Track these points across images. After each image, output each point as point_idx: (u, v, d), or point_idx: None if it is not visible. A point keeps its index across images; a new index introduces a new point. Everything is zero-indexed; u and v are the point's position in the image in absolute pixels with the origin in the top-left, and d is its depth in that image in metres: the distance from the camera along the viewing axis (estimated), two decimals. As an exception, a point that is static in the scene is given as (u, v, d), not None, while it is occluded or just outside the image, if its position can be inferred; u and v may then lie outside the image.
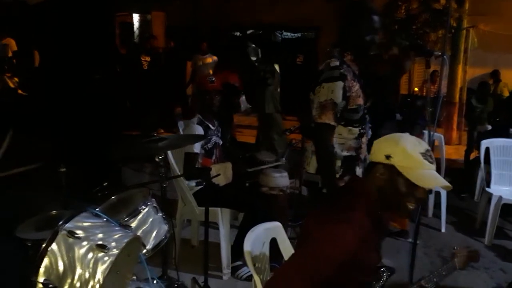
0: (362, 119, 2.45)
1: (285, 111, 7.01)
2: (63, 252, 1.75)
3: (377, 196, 1.62)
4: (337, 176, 2.40)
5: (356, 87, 2.39)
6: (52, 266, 1.74)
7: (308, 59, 10.50)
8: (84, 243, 1.78)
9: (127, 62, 7.83)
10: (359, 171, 2.45)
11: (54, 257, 1.74)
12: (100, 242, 1.78)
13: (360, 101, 2.41)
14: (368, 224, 1.59)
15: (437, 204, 4.36)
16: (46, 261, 1.74)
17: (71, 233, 1.77)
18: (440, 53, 2.49)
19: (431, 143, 2.61)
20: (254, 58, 11.18)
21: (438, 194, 4.25)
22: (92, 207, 2.01)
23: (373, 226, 1.62)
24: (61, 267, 1.74)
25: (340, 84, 2.33)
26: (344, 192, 1.73)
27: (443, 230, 4.27)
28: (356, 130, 2.43)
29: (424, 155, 1.57)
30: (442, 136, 4.84)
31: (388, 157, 1.58)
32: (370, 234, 1.60)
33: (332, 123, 2.34)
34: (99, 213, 1.98)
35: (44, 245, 1.76)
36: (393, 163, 1.57)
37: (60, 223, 1.81)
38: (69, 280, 1.73)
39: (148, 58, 7.65)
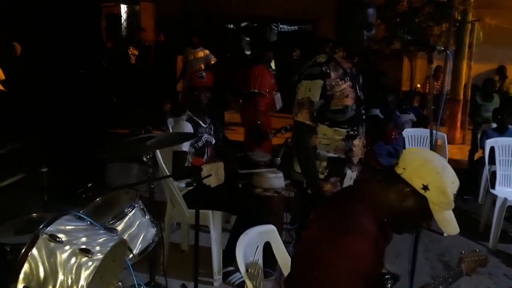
0: (353, 120, 2.42)
1: (281, 108, 7.02)
2: (44, 257, 1.75)
3: (392, 209, 1.61)
4: (323, 177, 2.41)
5: (343, 86, 2.37)
6: (33, 272, 1.73)
7: (305, 53, 10.53)
8: (67, 247, 1.77)
9: (114, 56, 7.79)
10: (351, 174, 2.45)
11: (35, 262, 1.73)
12: (83, 246, 1.77)
13: (348, 101, 2.39)
14: (377, 231, 1.59)
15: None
16: (26, 266, 1.73)
17: (53, 237, 1.76)
18: (443, 48, 2.50)
19: (433, 142, 2.62)
20: (248, 52, 11.19)
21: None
22: (75, 210, 2.00)
23: (381, 233, 1.62)
24: (42, 273, 1.73)
25: (319, 82, 2.32)
26: (350, 198, 1.70)
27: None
28: (343, 131, 2.42)
29: (454, 196, 1.59)
30: (445, 135, 4.88)
31: (425, 188, 1.56)
32: (379, 243, 1.61)
33: (308, 122, 2.34)
34: (82, 216, 1.97)
35: (23, 250, 1.75)
36: (427, 196, 1.56)
37: (41, 226, 1.80)
38: (50, 287, 1.72)
39: (136, 52, 7.61)
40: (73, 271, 1.74)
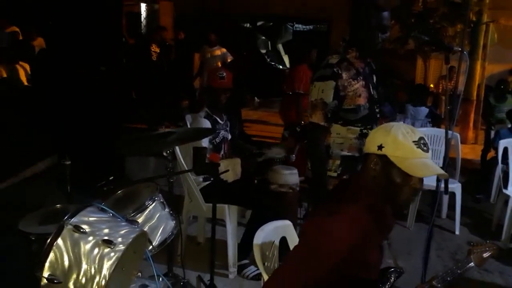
0: (366, 118, 2.42)
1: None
2: (68, 247, 1.77)
3: (374, 187, 1.62)
4: (335, 175, 2.41)
5: (356, 86, 2.36)
6: (58, 261, 1.75)
7: (321, 53, 10.48)
8: (90, 238, 1.79)
9: (136, 52, 7.85)
10: None
11: (60, 252, 1.76)
12: (106, 238, 1.79)
13: (361, 101, 2.38)
14: (368, 219, 1.60)
15: (451, 206, 4.33)
16: (51, 256, 1.75)
17: (77, 228, 1.78)
18: (460, 49, 2.46)
19: (447, 142, 2.59)
20: (263, 51, 11.17)
21: (452, 195, 4.23)
22: (98, 202, 2.02)
23: (375, 222, 1.63)
24: (66, 262, 1.75)
25: (331, 83, 2.32)
26: (343, 187, 1.75)
27: (457, 232, 4.25)
28: (356, 130, 2.41)
29: (417, 143, 1.57)
30: (458, 135, 4.81)
31: (380, 147, 1.59)
32: (371, 230, 1.61)
33: (322, 123, 2.34)
34: (105, 208, 1.99)
35: (49, 240, 1.77)
36: (385, 153, 1.58)
37: (66, 217, 1.82)
38: (74, 276, 1.74)
39: (157, 49, 7.67)
40: (96, 261, 1.76)
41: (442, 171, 1.62)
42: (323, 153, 2.40)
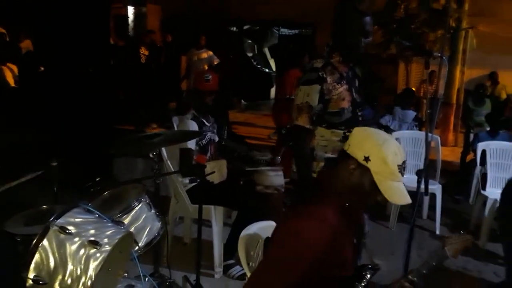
0: (349, 121, 2.43)
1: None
2: (54, 248, 1.75)
3: (344, 188, 1.63)
4: None
5: (340, 89, 2.38)
6: (43, 262, 1.73)
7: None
8: (76, 239, 1.78)
9: (125, 55, 7.81)
10: None
11: (45, 253, 1.74)
12: (92, 238, 1.78)
13: (345, 104, 2.41)
14: (338, 218, 1.60)
15: (432, 206, 4.39)
16: (37, 257, 1.73)
17: (63, 229, 1.77)
18: (439, 54, 2.50)
19: (428, 144, 2.62)
20: (250, 54, 11.19)
21: (433, 196, 4.28)
22: (84, 203, 2.00)
23: (345, 221, 1.64)
24: (52, 263, 1.73)
25: (316, 87, 2.34)
26: (314, 187, 1.76)
27: (437, 232, 4.30)
28: (340, 133, 2.42)
29: (400, 167, 1.59)
30: (439, 138, 4.87)
31: (366, 159, 1.58)
32: (342, 229, 1.62)
33: (307, 126, 2.36)
34: (91, 209, 1.97)
35: (35, 241, 1.75)
36: (369, 167, 1.58)
37: (52, 218, 1.81)
38: (60, 277, 1.73)
39: (146, 52, 7.63)
40: (82, 262, 1.74)
41: (409, 199, 1.63)
42: (308, 155, 2.41)
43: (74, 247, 1.76)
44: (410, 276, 1.71)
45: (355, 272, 1.74)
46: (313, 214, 1.56)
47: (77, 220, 1.86)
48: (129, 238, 1.99)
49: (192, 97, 3.50)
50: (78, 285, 1.72)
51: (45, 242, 1.75)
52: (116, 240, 1.83)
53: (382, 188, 1.58)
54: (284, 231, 1.58)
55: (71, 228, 1.79)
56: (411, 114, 5.61)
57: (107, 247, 1.78)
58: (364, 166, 1.58)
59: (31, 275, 1.72)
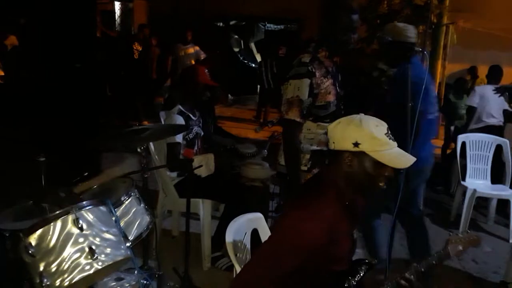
0: (334, 114, 2.46)
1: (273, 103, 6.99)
2: (61, 233, 1.76)
3: (347, 182, 1.64)
4: (306, 169, 2.45)
5: (327, 83, 2.41)
6: (46, 237, 1.74)
7: (291, 51, 10.54)
8: (81, 239, 1.79)
9: (118, 50, 7.73)
10: None
11: (53, 232, 1.75)
12: (93, 247, 1.78)
13: (331, 97, 2.44)
14: (336, 212, 1.61)
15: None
16: (45, 229, 1.73)
17: (77, 221, 1.78)
18: (421, 49, 2.53)
19: (410, 137, 2.65)
20: (236, 49, 11.15)
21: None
22: (110, 203, 1.99)
23: (344, 213, 1.65)
24: (52, 244, 1.74)
25: (306, 81, 2.36)
26: (313, 183, 1.76)
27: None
28: (326, 126, 2.44)
29: (387, 135, 1.60)
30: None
31: (356, 144, 1.58)
32: (340, 223, 1.63)
33: (298, 119, 2.38)
34: (113, 212, 1.97)
35: (55, 213, 1.76)
36: (363, 150, 1.58)
37: (77, 204, 1.82)
38: (49, 260, 1.73)
39: (140, 48, 7.57)
40: (73, 264, 1.75)
41: (413, 158, 1.66)
42: (298, 148, 2.43)
43: (75, 245, 1.77)
44: (407, 274, 1.68)
45: (349, 267, 1.75)
46: (314, 207, 1.56)
47: (93, 218, 1.86)
48: (125, 261, 1.97)
49: (188, 89, 3.41)
50: (58, 278, 1.72)
51: (59, 222, 1.76)
52: (110, 262, 1.83)
53: (385, 160, 1.58)
54: (285, 224, 1.57)
55: (84, 225, 1.80)
56: None
57: (99, 265, 1.78)
58: (358, 152, 1.59)
59: (32, 240, 1.71)
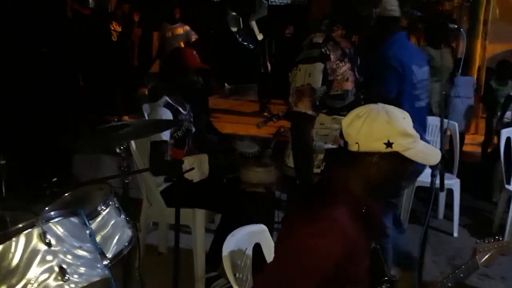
0: (352, 106, 2.43)
1: (275, 93, 6.96)
2: (25, 251, 1.74)
3: (367, 186, 1.64)
4: (319, 171, 2.44)
5: (344, 68, 2.40)
6: (7, 255, 1.73)
7: (299, 31, 10.53)
8: (49, 257, 1.77)
9: (93, 31, 7.73)
10: None
11: (16, 248, 1.73)
12: (64, 266, 1.77)
13: (348, 85, 2.43)
14: (353, 223, 1.59)
15: (449, 204, 4.44)
16: (6, 245, 1.73)
17: (44, 236, 1.76)
18: (456, 26, 2.53)
19: (443, 132, 2.66)
20: (234, 29, 11.15)
21: (450, 193, 4.33)
22: (84, 213, 1.99)
23: (362, 224, 1.64)
24: (14, 262, 1.73)
25: (319, 66, 2.34)
26: (321, 188, 1.75)
27: (455, 234, 4.36)
28: (342, 119, 2.44)
29: (414, 128, 1.63)
30: (456, 124, 4.91)
31: (389, 144, 1.57)
32: (358, 236, 1.61)
33: (310, 112, 2.36)
34: (88, 225, 1.97)
35: (16, 228, 1.75)
36: (396, 150, 1.58)
37: (42, 214, 1.81)
38: (12, 281, 1.71)
39: (119, 28, 7.55)
40: (40, 286, 1.73)
41: (439, 152, 1.69)
42: (310, 147, 2.42)
43: (42, 264, 1.76)
44: None
45: (370, 285, 1.74)
46: (328, 220, 1.55)
47: (63, 232, 1.85)
48: (101, 283, 1.94)
49: (178, 76, 3.39)
50: None
51: (22, 238, 1.75)
52: (85, 284, 1.82)
53: (418, 157, 1.61)
54: (295, 241, 1.55)
55: (53, 240, 1.79)
56: None
57: (71, 287, 1.77)
58: (391, 152, 1.58)
59: None
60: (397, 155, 1.59)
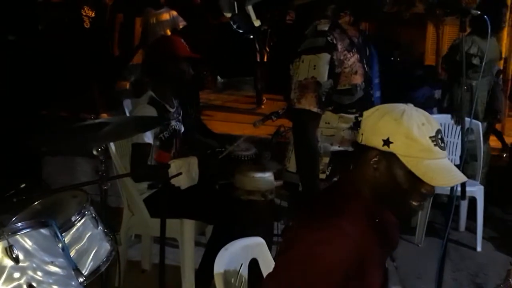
0: (361, 102, 2.46)
1: (271, 88, 6.95)
2: None
3: (372, 191, 1.64)
4: (324, 176, 2.46)
5: (352, 60, 2.41)
6: None
7: (302, 18, 10.55)
8: (17, 274, 1.77)
9: (62, 17, 7.71)
10: None
11: None
12: (34, 284, 1.76)
13: (357, 79, 2.44)
14: (365, 232, 1.60)
15: (472, 215, 4.44)
16: None
17: (11, 250, 1.76)
18: (479, 12, 2.54)
19: (464, 133, 2.66)
20: (228, 14, 11.16)
21: (473, 202, 4.34)
22: (55, 225, 1.99)
23: (375, 234, 1.65)
24: None
25: (325, 57, 2.35)
26: (331, 194, 1.76)
27: (478, 249, 4.37)
28: (350, 118, 2.46)
29: (434, 139, 1.57)
30: (480, 124, 4.93)
31: (387, 142, 1.58)
32: (370, 247, 1.62)
33: (314, 109, 2.37)
34: (60, 237, 1.96)
35: None
36: (394, 151, 1.58)
37: (9, 226, 1.83)
38: None
39: (92, 13, 7.55)
40: None
41: (464, 177, 1.64)
42: (315, 149, 2.42)
43: (9, 281, 1.75)
44: None
45: None
46: (337, 228, 1.55)
47: (32, 246, 1.85)
48: None
49: (168, 67, 3.36)
50: None
51: None
52: None
53: (420, 171, 1.56)
54: (300, 251, 1.56)
55: (20, 255, 1.79)
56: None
57: None
58: (387, 152, 1.58)
59: None
60: (394, 159, 1.58)
